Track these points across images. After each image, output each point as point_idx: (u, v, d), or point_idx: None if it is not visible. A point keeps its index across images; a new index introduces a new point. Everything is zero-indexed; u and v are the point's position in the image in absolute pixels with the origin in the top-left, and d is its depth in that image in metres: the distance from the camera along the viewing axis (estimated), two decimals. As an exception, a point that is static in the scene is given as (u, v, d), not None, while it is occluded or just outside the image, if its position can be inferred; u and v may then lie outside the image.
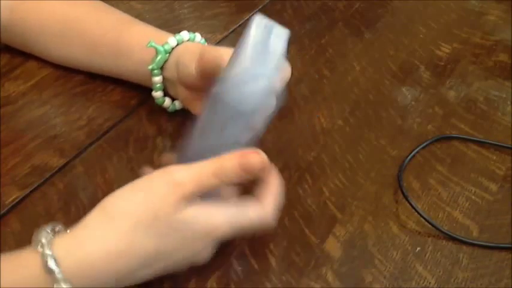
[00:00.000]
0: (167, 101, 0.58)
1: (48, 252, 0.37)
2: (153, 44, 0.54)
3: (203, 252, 0.43)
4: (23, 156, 0.55)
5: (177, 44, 0.55)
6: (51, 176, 0.53)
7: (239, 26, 0.74)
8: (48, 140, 0.57)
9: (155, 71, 0.55)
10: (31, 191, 0.52)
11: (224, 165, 0.41)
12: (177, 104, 0.58)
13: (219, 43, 0.71)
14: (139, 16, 0.73)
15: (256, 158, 0.41)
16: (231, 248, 0.48)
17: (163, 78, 0.56)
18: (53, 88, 0.62)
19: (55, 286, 0.36)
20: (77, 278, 0.37)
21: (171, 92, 0.57)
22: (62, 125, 0.58)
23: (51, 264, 0.36)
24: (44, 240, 0.37)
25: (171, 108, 0.58)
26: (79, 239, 0.39)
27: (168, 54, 0.54)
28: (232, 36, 0.72)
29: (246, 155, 0.41)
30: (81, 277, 0.37)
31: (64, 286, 0.36)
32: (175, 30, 0.72)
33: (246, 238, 0.47)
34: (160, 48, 0.54)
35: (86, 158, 0.55)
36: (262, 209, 0.43)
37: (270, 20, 0.43)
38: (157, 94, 0.57)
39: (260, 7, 0.78)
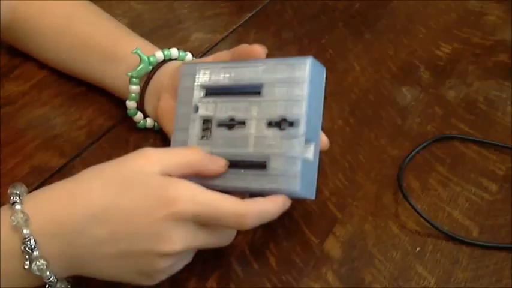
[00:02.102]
0: (139, 115, 0.56)
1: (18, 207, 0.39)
2: (138, 51, 0.53)
3: (160, 227, 0.39)
4: (23, 156, 0.55)
5: (164, 59, 0.54)
6: (51, 176, 0.53)
7: (239, 26, 0.74)
8: (48, 140, 0.57)
9: (133, 80, 0.54)
10: (31, 192, 0.52)
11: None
12: (149, 121, 0.56)
13: (219, 43, 0.71)
14: (140, 16, 0.73)
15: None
16: (231, 248, 0.48)
17: (149, 90, 0.55)
18: (53, 88, 0.62)
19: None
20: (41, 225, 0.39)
21: (149, 108, 0.56)
22: (62, 125, 0.58)
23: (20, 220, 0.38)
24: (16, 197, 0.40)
25: (141, 124, 0.56)
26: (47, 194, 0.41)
27: (151, 67, 0.54)
28: (232, 36, 0.72)
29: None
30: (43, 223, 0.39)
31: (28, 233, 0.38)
32: (175, 31, 0.72)
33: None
34: (145, 58, 0.53)
35: (86, 158, 0.55)
36: (242, 204, 0.41)
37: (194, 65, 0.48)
38: (130, 104, 0.55)
39: (260, 7, 0.78)
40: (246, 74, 0.46)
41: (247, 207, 0.41)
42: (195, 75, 0.47)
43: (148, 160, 0.40)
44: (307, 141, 0.43)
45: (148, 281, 0.41)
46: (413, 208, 0.51)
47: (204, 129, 0.46)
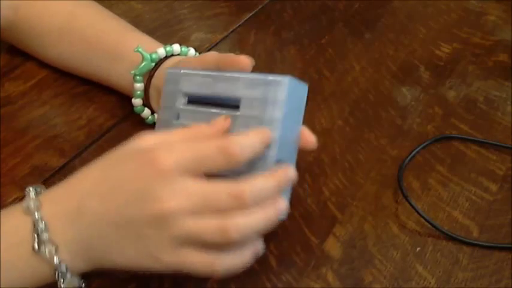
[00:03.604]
0: (146, 111, 0.57)
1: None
2: (140, 49, 0.54)
3: (148, 188, 0.38)
4: (23, 156, 0.55)
5: (166, 55, 0.55)
6: (51, 176, 0.53)
7: (239, 26, 0.74)
8: (48, 140, 0.57)
9: (137, 78, 0.54)
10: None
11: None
12: (156, 117, 0.56)
13: (219, 43, 0.71)
14: (140, 16, 0.73)
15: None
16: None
17: (152, 86, 0.55)
18: (53, 88, 0.62)
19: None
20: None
21: (154, 104, 0.56)
22: (62, 125, 0.58)
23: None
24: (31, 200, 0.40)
25: (149, 120, 0.57)
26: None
27: (154, 64, 0.54)
28: (232, 36, 0.72)
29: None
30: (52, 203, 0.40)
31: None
32: (175, 31, 0.72)
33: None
34: (147, 55, 0.54)
35: (86, 158, 0.55)
36: (225, 139, 0.40)
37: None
38: (136, 101, 0.56)
39: (260, 7, 0.78)
40: (225, 86, 0.45)
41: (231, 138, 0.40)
42: (179, 81, 0.47)
43: (141, 139, 0.41)
44: (280, 161, 0.42)
45: (154, 263, 0.39)
46: (413, 208, 0.51)
47: None
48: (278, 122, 0.42)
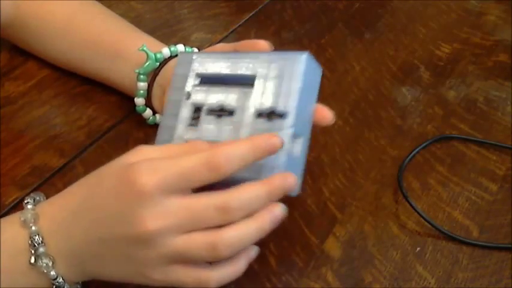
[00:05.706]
0: (148, 111, 0.57)
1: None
2: (145, 48, 0.54)
3: (130, 209, 0.37)
4: (23, 156, 0.55)
5: (171, 55, 0.55)
6: (51, 176, 0.53)
7: (239, 26, 0.74)
8: (48, 140, 0.57)
9: (141, 76, 0.54)
10: (31, 191, 0.52)
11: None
12: (158, 117, 0.57)
13: (219, 43, 0.71)
14: (140, 16, 0.73)
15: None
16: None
17: (156, 85, 0.55)
18: (53, 88, 0.62)
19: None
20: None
21: (156, 104, 0.56)
22: (62, 125, 0.58)
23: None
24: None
25: (150, 120, 0.57)
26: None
27: (158, 63, 0.54)
28: (232, 36, 0.72)
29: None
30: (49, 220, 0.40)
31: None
32: (175, 31, 0.72)
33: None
34: (152, 55, 0.54)
35: (86, 158, 0.55)
36: (211, 149, 0.38)
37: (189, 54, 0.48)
38: (138, 101, 0.56)
39: (260, 7, 0.78)
40: (241, 65, 0.45)
41: (217, 149, 0.38)
42: (191, 63, 0.47)
43: (134, 154, 0.40)
44: (296, 135, 0.43)
45: (145, 279, 0.39)
46: (413, 208, 0.51)
47: (194, 118, 0.46)
48: (296, 93, 0.43)
